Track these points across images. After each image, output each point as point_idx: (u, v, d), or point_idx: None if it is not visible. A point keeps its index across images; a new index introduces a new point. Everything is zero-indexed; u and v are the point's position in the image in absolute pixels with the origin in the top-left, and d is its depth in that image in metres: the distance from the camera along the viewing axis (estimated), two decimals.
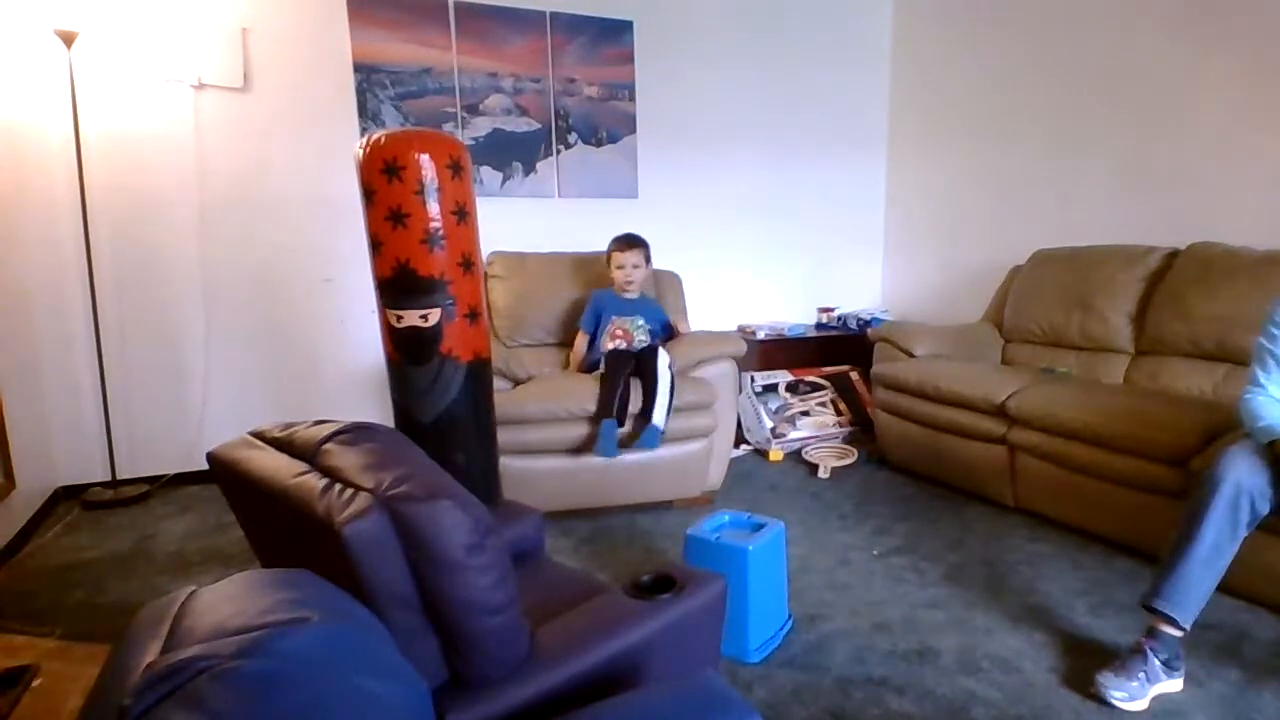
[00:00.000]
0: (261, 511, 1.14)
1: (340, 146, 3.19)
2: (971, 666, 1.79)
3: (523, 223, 3.58)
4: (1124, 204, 3.27)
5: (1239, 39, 2.81)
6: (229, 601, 0.69)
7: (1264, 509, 1.65)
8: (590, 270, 3.26)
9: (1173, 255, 2.92)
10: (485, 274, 3.15)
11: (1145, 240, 3.06)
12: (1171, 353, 2.80)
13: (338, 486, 0.94)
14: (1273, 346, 1.78)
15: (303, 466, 1.02)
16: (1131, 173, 3.23)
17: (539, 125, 3.59)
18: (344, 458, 0.99)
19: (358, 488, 0.92)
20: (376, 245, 1.90)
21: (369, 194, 1.88)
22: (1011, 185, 3.76)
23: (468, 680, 1.00)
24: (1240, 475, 1.64)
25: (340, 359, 3.40)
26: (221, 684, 0.55)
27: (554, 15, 3.53)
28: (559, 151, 3.65)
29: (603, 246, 3.21)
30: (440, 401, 1.95)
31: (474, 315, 1.97)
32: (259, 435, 1.19)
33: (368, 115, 3.27)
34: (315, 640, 0.64)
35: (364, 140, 1.88)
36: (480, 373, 2.01)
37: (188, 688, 0.54)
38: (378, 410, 3.37)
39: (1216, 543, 1.63)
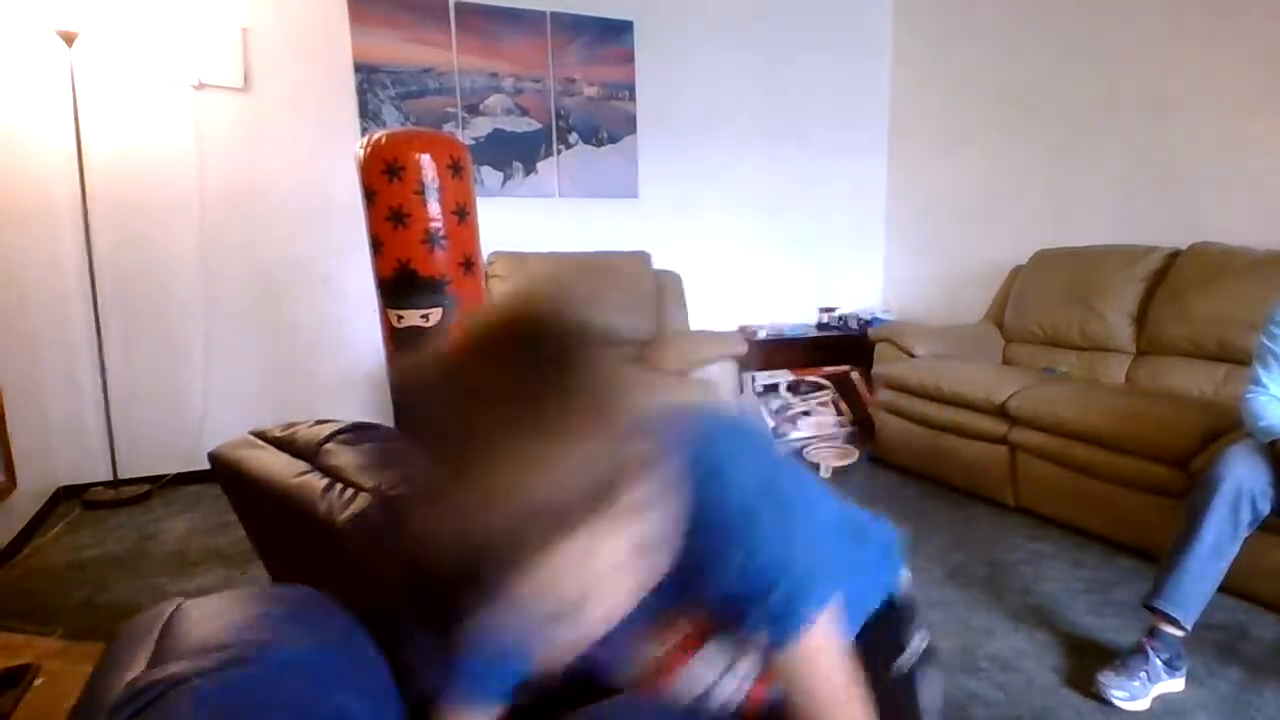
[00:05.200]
0: (263, 511, 1.14)
1: (341, 146, 3.19)
2: (972, 666, 1.79)
3: (523, 223, 3.58)
4: (1125, 204, 3.26)
5: (1241, 38, 2.81)
6: (215, 617, 0.69)
7: (1265, 509, 1.65)
8: (592, 271, 3.25)
9: (1173, 255, 2.91)
10: (486, 274, 3.15)
11: (1146, 240, 3.06)
12: (1172, 353, 2.80)
13: (339, 486, 0.94)
14: (1274, 346, 1.78)
15: (304, 466, 1.02)
16: (1132, 172, 3.22)
17: (539, 125, 3.59)
18: (345, 457, 0.99)
19: (359, 487, 0.92)
20: (377, 245, 1.90)
21: (370, 194, 1.88)
22: (1012, 185, 3.75)
23: None
24: (1241, 475, 1.64)
25: (341, 359, 3.40)
26: (198, 701, 0.55)
27: (554, 15, 3.53)
28: (559, 151, 3.65)
29: (604, 245, 3.20)
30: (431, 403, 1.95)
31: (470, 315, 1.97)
32: (260, 435, 1.19)
33: (368, 115, 3.27)
34: (297, 658, 0.64)
35: (364, 140, 1.88)
36: None
37: (163, 703, 0.55)
38: (378, 410, 3.37)
39: (1217, 543, 1.63)
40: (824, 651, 0.63)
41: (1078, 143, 3.42)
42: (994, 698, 1.66)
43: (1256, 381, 1.80)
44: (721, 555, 0.60)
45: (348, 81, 3.23)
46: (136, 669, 0.61)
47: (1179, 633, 1.67)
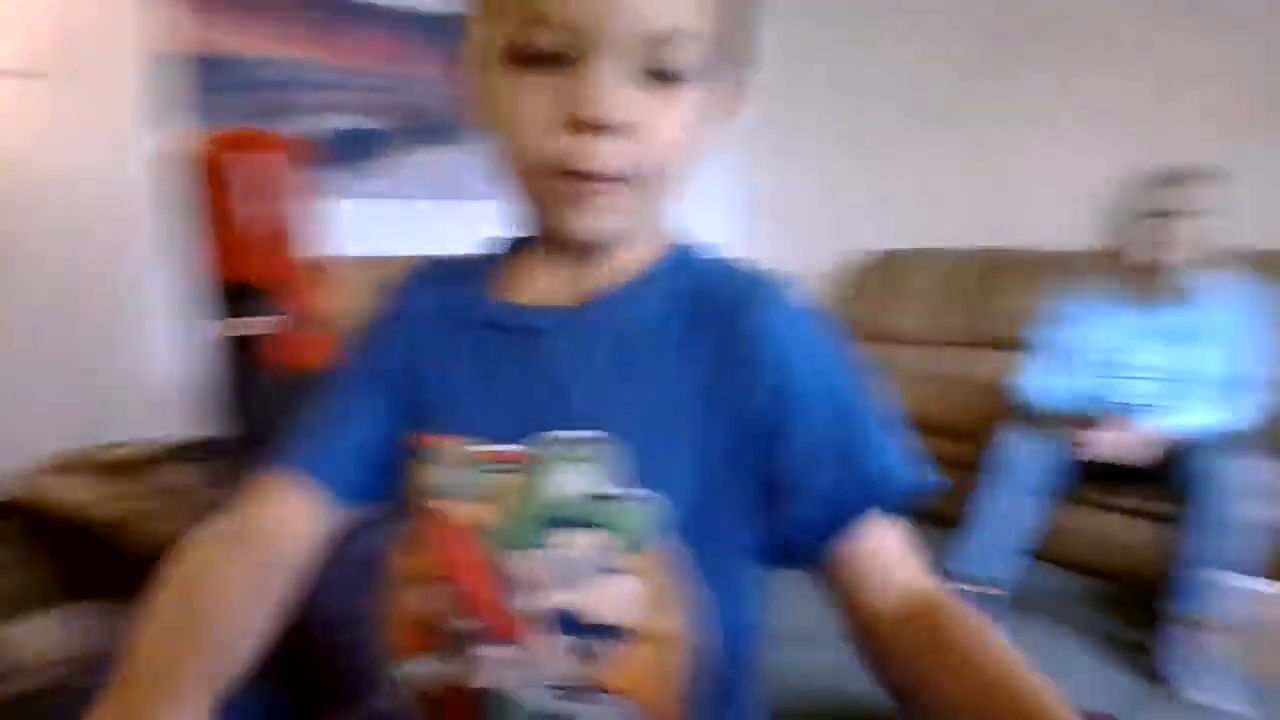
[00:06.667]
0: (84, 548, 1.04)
1: (151, 143, 2.88)
2: None
3: (372, 223, 3.39)
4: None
5: (1034, 52, 3.11)
6: (43, 634, 0.65)
7: (1052, 482, 1.83)
8: None
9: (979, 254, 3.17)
10: (324, 280, 2.99)
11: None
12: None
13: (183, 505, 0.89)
14: (1051, 336, 1.99)
15: (131, 489, 0.95)
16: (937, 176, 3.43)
17: (386, 123, 3.42)
18: (185, 476, 0.94)
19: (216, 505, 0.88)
20: (199, 250, 1.78)
21: (190, 195, 1.76)
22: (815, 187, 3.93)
23: None
24: (1021, 454, 1.84)
25: (139, 369, 3.02)
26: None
27: (404, 12, 3.40)
28: (409, 150, 3.51)
29: (455, 249, 3.13)
30: (272, 416, 1.85)
31: (308, 324, 1.89)
32: (68, 461, 1.09)
33: (191, 109, 2.98)
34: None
35: (185, 136, 1.75)
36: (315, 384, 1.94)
37: None
38: (185, 422, 3.08)
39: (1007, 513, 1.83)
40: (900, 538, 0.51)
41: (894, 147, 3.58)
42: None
43: (1028, 367, 2.03)
44: (817, 400, 0.50)
45: (174, 71, 2.93)
46: None
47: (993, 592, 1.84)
